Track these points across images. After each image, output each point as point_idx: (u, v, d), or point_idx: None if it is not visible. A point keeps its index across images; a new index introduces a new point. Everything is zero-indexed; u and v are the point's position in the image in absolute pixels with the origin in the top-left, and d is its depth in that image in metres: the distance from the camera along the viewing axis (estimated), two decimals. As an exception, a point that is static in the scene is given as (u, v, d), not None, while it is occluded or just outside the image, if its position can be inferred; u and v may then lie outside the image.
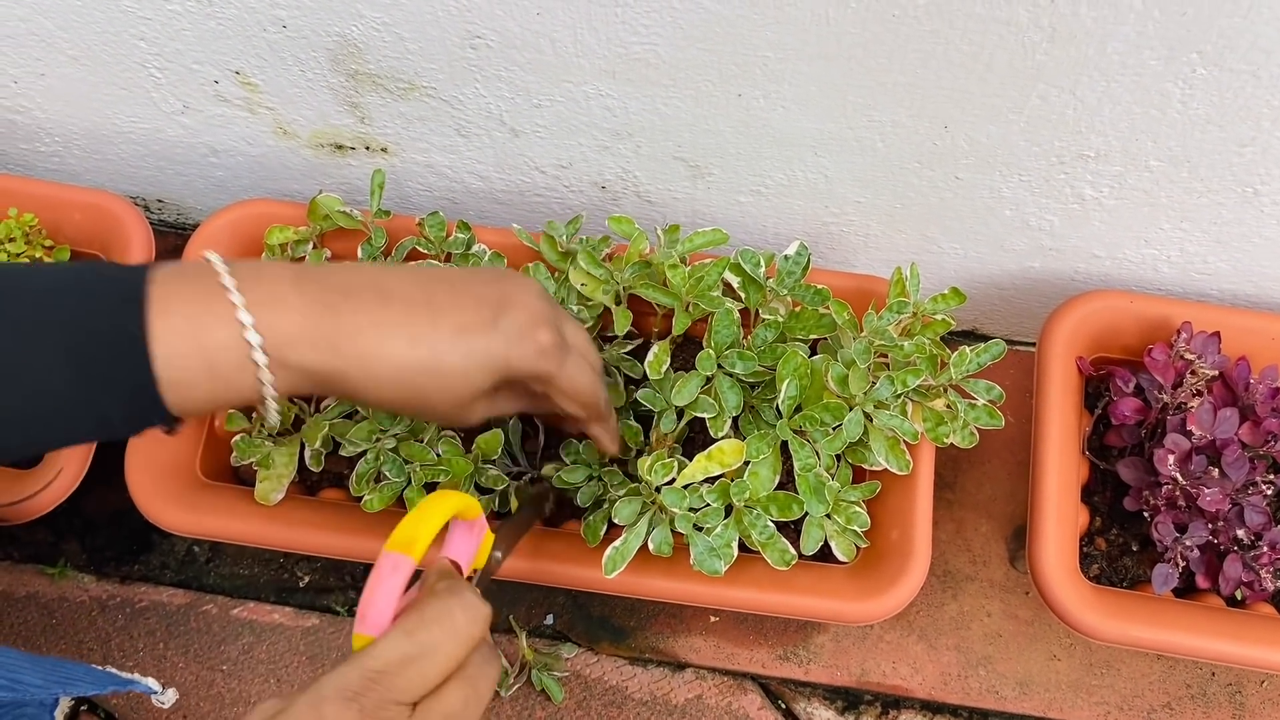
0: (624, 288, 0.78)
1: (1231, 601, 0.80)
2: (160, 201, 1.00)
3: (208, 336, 0.53)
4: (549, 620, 0.92)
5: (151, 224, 1.02)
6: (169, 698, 0.82)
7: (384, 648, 0.51)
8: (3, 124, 0.89)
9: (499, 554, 0.68)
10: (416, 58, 0.74)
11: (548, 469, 0.79)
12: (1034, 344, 0.89)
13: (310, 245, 0.84)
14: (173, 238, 1.03)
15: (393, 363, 0.58)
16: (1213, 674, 0.91)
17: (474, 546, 0.62)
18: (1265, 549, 0.76)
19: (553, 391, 0.66)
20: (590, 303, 0.79)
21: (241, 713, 0.89)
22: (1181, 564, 0.77)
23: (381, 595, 0.53)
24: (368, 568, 0.91)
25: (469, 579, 0.63)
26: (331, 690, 0.50)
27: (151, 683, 0.78)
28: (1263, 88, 0.65)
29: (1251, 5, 0.59)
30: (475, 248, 0.82)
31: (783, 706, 0.91)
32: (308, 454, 0.79)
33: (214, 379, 0.54)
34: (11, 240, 0.81)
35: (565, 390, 0.66)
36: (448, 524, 0.61)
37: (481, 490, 0.79)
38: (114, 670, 0.76)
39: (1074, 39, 0.63)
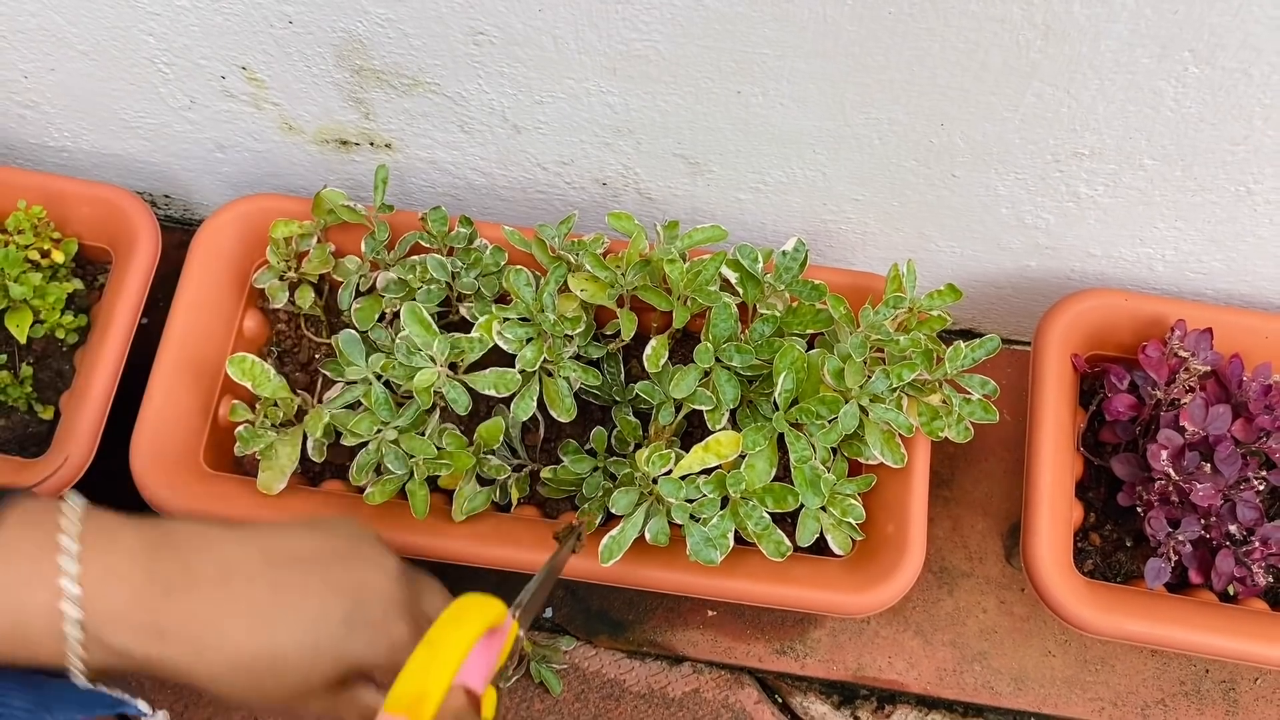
0: (627, 291, 0.79)
1: (1224, 597, 0.81)
2: (167, 196, 1.01)
3: (26, 595, 0.50)
4: (548, 613, 0.93)
5: (160, 218, 1.03)
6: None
7: None
8: (13, 119, 0.90)
9: (521, 633, 0.62)
10: (420, 54, 0.75)
11: (582, 513, 0.76)
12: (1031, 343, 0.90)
13: (314, 239, 0.85)
14: (179, 233, 1.04)
15: (225, 652, 0.54)
16: (1206, 671, 0.92)
17: (495, 654, 0.57)
18: (1257, 544, 0.77)
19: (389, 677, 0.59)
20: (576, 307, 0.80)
21: (245, 717, 0.89)
22: (1174, 559, 0.78)
23: None
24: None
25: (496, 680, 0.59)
26: None
27: (141, 705, 0.77)
28: (1254, 86, 0.66)
29: (1241, 3, 0.60)
30: (477, 242, 0.83)
31: (779, 701, 0.92)
32: (310, 445, 0.80)
33: (15, 640, 0.51)
34: (20, 232, 0.83)
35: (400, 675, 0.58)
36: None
37: (482, 481, 0.80)
38: (104, 690, 0.73)
39: (1067, 36, 0.64)
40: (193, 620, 0.54)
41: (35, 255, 0.84)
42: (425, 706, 0.48)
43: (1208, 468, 0.77)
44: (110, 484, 0.94)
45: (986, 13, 0.64)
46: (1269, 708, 0.90)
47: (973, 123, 0.73)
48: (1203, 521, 0.78)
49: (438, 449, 0.75)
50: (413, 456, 0.75)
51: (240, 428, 0.81)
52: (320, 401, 0.81)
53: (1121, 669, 0.92)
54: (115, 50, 0.80)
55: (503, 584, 0.92)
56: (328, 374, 0.84)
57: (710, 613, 0.93)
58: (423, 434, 0.76)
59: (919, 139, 0.76)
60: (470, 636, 0.53)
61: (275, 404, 0.80)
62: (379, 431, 0.76)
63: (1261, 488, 0.78)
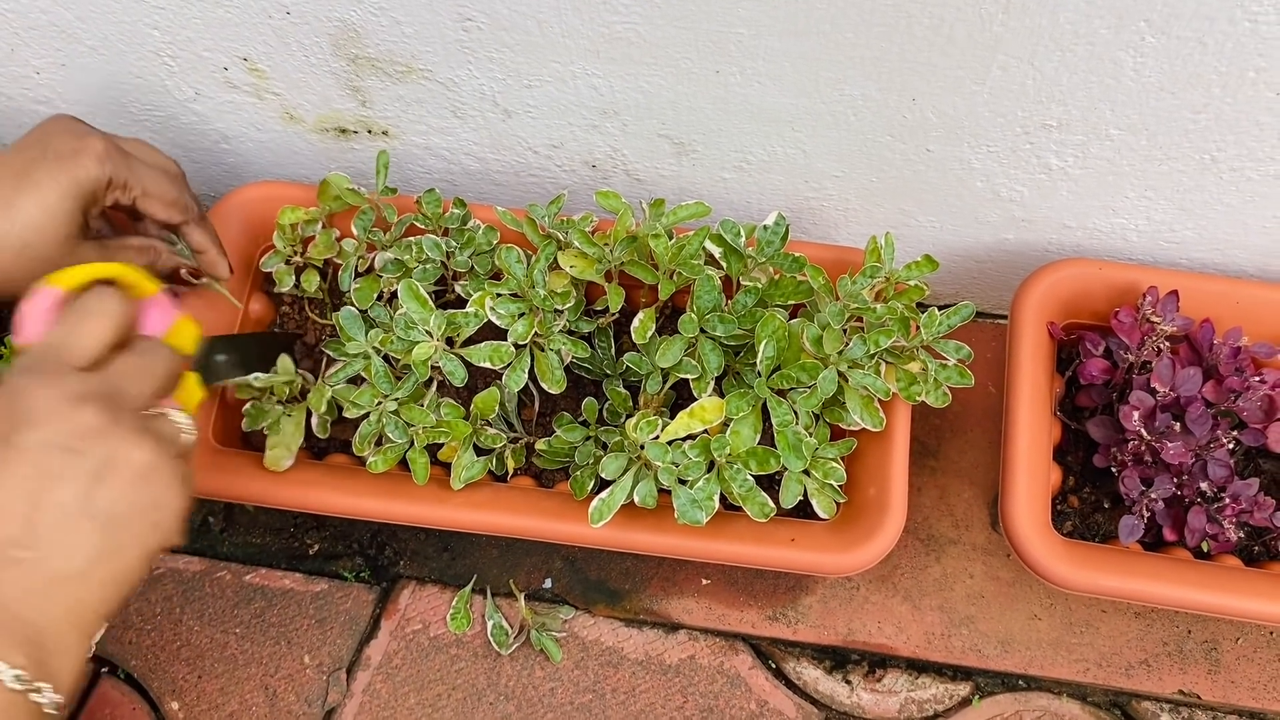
0: (615, 266, 0.82)
1: (1199, 554, 0.83)
2: (175, 189, 1.04)
3: None
4: (547, 584, 0.96)
5: (167, 211, 1.07)
6: None
7: (50, 336, 0.61)
8: (27, 114, 0.94)
9: (220, 356, 0.77)
10: (412, 41, 0.78)
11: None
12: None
13: (319, 225, 0.89)
14: (187, 225, 1.08)
15: None
16: (1189, 631, 0.94)
17: (160, 325, 0.69)
18: (1228, 501, 0.80)
19: (135, 198, 0.73)
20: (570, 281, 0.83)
21: (254, 673, 0.93)
22: (1147, 516, 0.80)
23: (30, 307, 0.63)
24: (375, 533, 0.96)
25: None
26: (16, 369, 0.60)
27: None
28: (1210, 55, 0.69)
29: (1192, -26, 0.63)
30: (470, 223, 0.86)
31: (773, 666, 0.95)
32: (314, 421, 0.84)
33: None
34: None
35: (144, 190, 0.73)
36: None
37: (480, 451, 0.83)
38: None
39: (1027, 9, 0.67)
40: None
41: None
42: (65, 278, 0.64)
43: (1179, 428, 0.80)
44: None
45: (949, -12, 0.67)
46: (1250, 666, 0.93)
47: (943, 97, 0.76)
48: (1175, 480, 0.80)
49: (435, 418, 0.79)
50: (412, 426, 0.78)
51: (248, 404, 0.84)
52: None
53: (1106, 631, 0.94)
54: (122, 44, 0.83)
55: (508, 551, 0.96)
56: (330, 353, 0.88)
57: (704, 581, 0.96)
58: (422, 406, 0.80)
59: (893, 114, 0.79)
60: (106, 270, 0.66)
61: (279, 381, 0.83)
62: (379, 403, 0.80)
63: (1233, 447, 0.81)
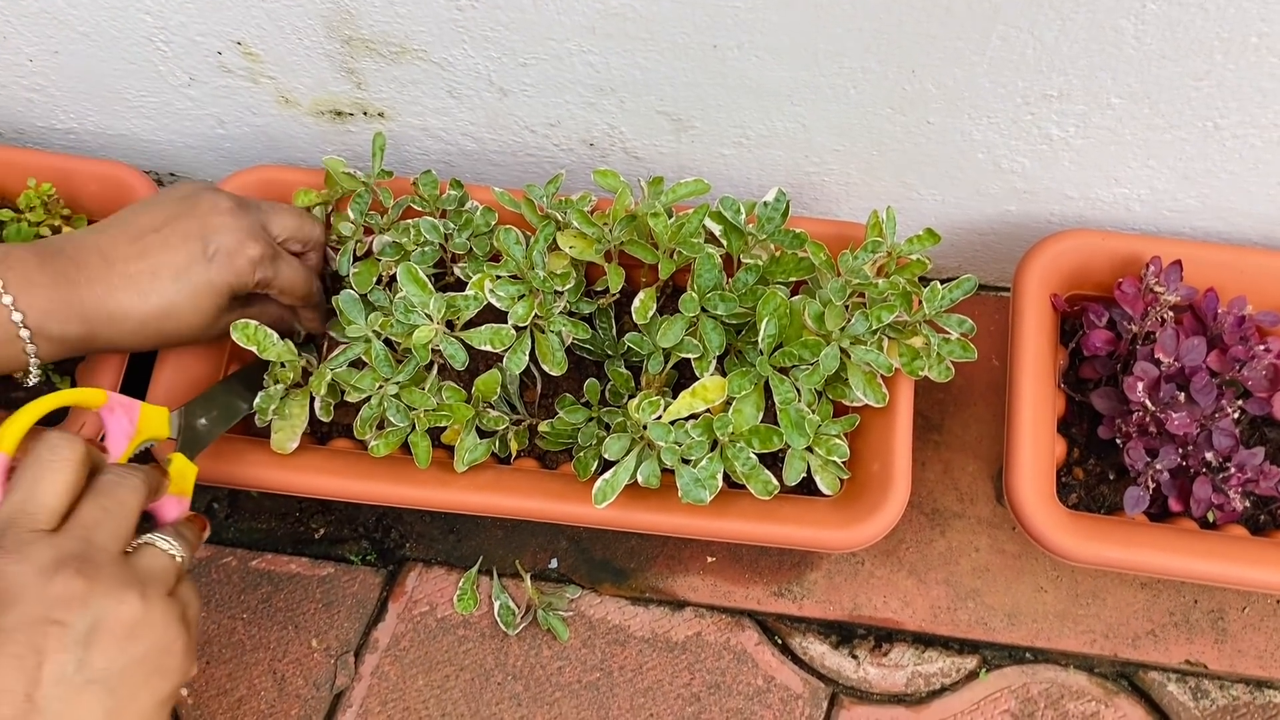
0: (615, 246, 0.82)
1: (1205, 524, 0.83)
2: (173, 175, 1.04)
3: None
4: (553, 564, 0.96)
5: (165, 197, 1.06)
6: None
7: (7, 506, 0.59)
8: (20, 102, 0.94)
9: (203, 420, 0.78)
10: (406, 21, 0.78)
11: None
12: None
13: (330, 208, 0.88)
14: (185, 211, 1.08)
15: (133, 318, 0.71)
16: (1195, 601, 0.94)
17: (127, 425, 0.70)
18: (1234, 471, 0.79)
19: (272, 292, 0.79)
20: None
21: (262, 658, 0.93)
22: (1152, 486, 0.80)
23: None
24: (380, 516, 0.96)
25: (142, 457, 0.73)
26: None
27: None
28: (1211, 20, 0.68)
29: (1193, -61, 0.62)
30: (468, 205, 0.86)
31: (779, 642, 0.95)
32: (316, 404, 0.84)
33: None
34: (32, 209, 0.86)
35: (283, 289, 0.79)
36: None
37: (483, 434, 0.83)
38: None
39: (1026, -22, 0.66)
40: (99, 302, 0.70)
41: (46, 231, 0.87)
42: (6, 440, 0.62)
43: (1183, 398, 0.79)
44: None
45: (947, -42, 0.66)
46: (1257, 635, 0.93)
47: (942, 68, 0.75)
48: (1180, 450, 0.80)
49: (435, 402, 0.79)
50: (413, 409, 0.78)
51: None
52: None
53: (1112, 602, 0.94)
54: (114, 30, 0.83)
55: (513, 532, 0.96)
56: (333, 335, 0.87)
57: (709, 559, 0.96)
58: (423, 389, 0.79)
59: (892, 87, 0.78)
60: (47, 405, 0.66)
61: (283, 365, 0.83)
62: (380, 387, 0.79)
63: (1238, 417, 0.80)
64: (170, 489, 0.71)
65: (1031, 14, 0.69)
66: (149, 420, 0.72)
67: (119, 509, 0.61)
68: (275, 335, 0.83)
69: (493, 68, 0.82)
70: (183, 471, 0.71)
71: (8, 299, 0.67)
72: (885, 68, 0.76)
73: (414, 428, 0.80)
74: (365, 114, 0.90)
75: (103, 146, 1.00)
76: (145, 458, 0.77)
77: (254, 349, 0.82)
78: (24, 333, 0.68)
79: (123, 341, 0.73)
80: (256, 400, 0.82)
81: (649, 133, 0.87)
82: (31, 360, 0.69)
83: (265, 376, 0.83)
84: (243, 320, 0.83)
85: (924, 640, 0.94)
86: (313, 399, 0.84)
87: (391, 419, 0.79)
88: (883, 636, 0.95)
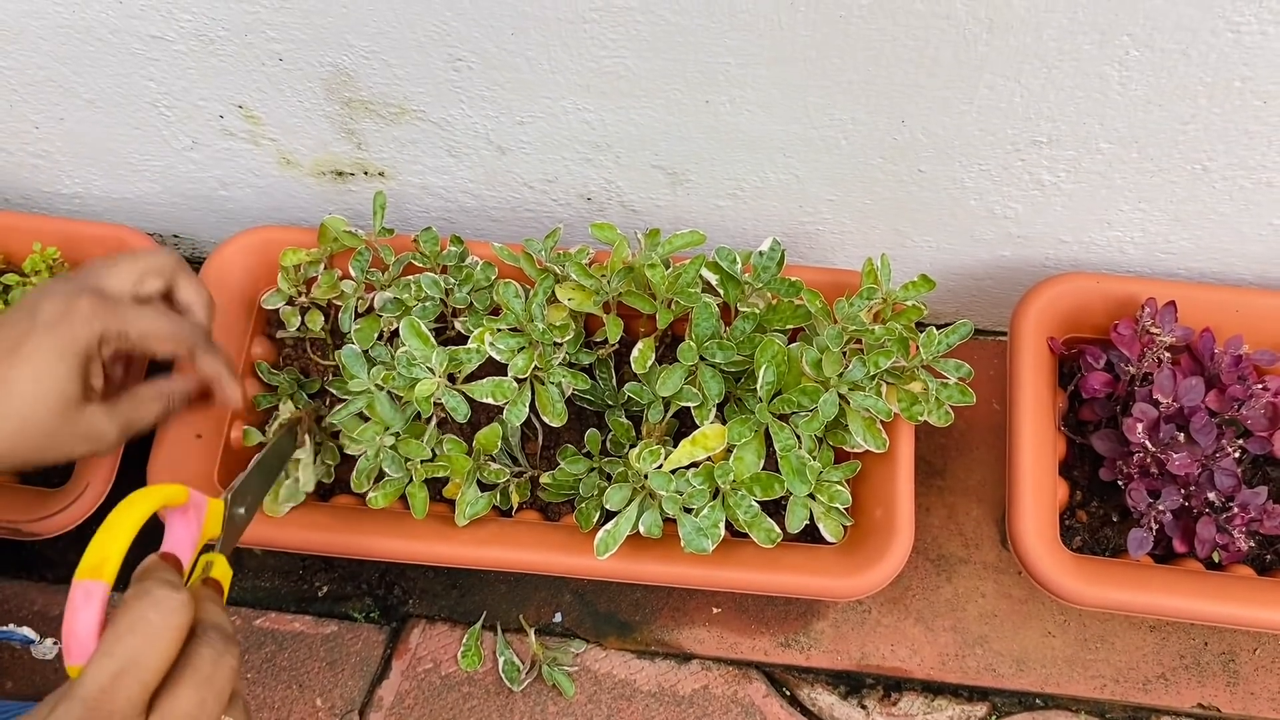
0: (613, 297, 0.82)
1: (1210, 565, 0.83)
2: (176, 236, 1.05)
3: None
4: (557, 618, 0.96)
5: (169, 259, 1.08)
6: (48, 648, 0.80)
7: (90, 672, 0.51)
8: (26, 168, 0.95)
9: (241, 510, 0.69)
10: (404, 83, 0.79)
11: (285, 407, 0.83)
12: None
13: (322, 266, 0.89)
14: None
15: None
16: (1205, 643, 0.93)
17: (195, 528, 0.62)
18: (1237, 511, 0.79)
19: (138, 343, 0.68)
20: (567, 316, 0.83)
21: (267, 718, 0.92)
22: (1155, 528, 0.80)
23: (80, 625, 0.53)
24: (384, 572, 0.96)
25: (205, 556, 0.64)
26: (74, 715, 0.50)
27: (28, 631, 0.77)
28: (1194, 66, 0.69)
29: (1172, -13, 0.63)
30: (468, 260, 0.87)
31: (787, 693, 0.94)
32: (315, 469, 0.84)
33: None
34: (37, 273, 0.87)
35: (141, 333, 0.68)
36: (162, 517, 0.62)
37: (484, 486, 0.83)
38: None
39: (1011, 29, 0.68)
40: None
41: (52, 295, 0.88)
42: (106, 569, 0.54)
43: (1183, 438, 0.79)
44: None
45: (932, 11, 0.67)
46: (1269, 677, 0.92)
47: (932, 118, 0.76)
48: (1182, 491, 0.80)
49: (432, 452, 0.79)
50: (409, 460, 0.79)
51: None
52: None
53: (1121, 645, 0.93)
54: (119, 96, 0.84)
55: (517, 586, 0.96)
56: (334, 392, 0.88)
57: (715, 610, 0.96)
58: (421, 441, 0.80)
59: (882, 137, 0.79)
60: (140, 511, 0.57)
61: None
62: (379, 439, 0.80)
63: (1239, 456, 0.80)
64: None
65: (1017, 63, 0.70)
66: (211, 518, 0.65)
67: (214, 701, 0.54)
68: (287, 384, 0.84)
69: (490, 126, 0.83)
70: (225, 577, 0.64)
71: None
72: (875, 118, 0.77)
73: (411, 479, 0.80)
74: (366, 173, 0.91)
75: (108, 210, 1.01)
76: None
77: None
78: None
79: None
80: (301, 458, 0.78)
81: (645, 186, 0.88)
82: None
83: (291, 439, 0.79)
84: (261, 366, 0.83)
85: (933, 688, 0.94)
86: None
87: (388, 470, 0.80)
88: (891, 685, 0.94)
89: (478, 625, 0.94)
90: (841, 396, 0.77)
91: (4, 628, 0.79)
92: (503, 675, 0.92)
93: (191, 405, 0.76)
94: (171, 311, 0.72)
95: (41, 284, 0.70)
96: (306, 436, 0.81)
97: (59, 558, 0.99)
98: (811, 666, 0.94)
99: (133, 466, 0.86)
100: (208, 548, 0.64)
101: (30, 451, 0.65)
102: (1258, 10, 0.64)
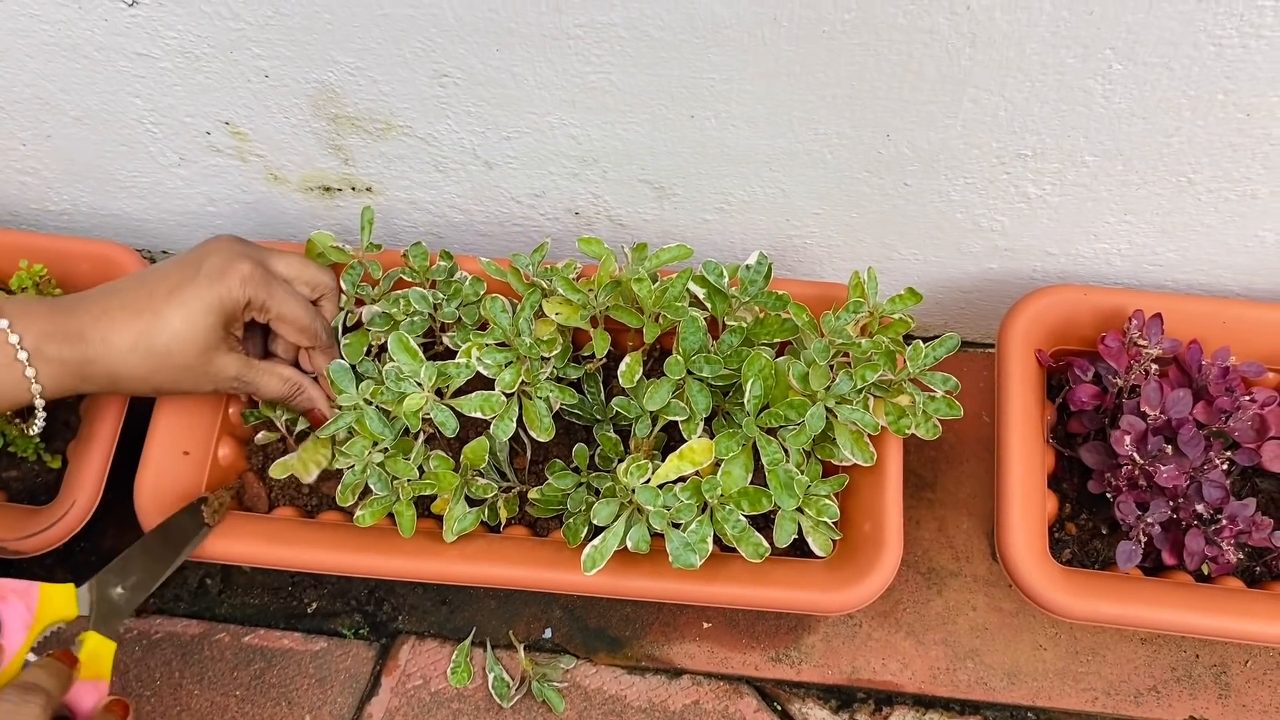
0: (600, 311, 0.82)
1: (1200, 577, 0.83)
2: (165, 252, 1.05)
3: None
4: (547, 634, 0.95)
5: (157, 275, 1.07)
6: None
7: None
8: (14, 185, 0.95)
9: (120, 589, 0.72)
10: (390, 98, 0.79)
11: (214, 494, 0.82)
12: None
13: None
14: (178, 287, 1.09)
15: (126, 335, 0.72)
16: (1197, 656, 0.93)
17: (24, 613, 0.65)
18: (1225, 523, 0.79)
19: (271, 319, 0.79)
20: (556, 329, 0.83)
21: None
22: (1144, 540, 0.80)
23: None
24: (373, 589, 0.95)
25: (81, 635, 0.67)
26: None
27: None
28: (1177, 79, 0.69)
29: (1153, 0, 0.64)
30: (457, 275, 0.87)
31: (778, 708, 0.94)
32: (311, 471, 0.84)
33: None
34: (23, 290, 0.87)
35: (279, 314, 0.79)
36: None
37: (472, 502, 0.83)
38: None
39: (993, 43, 0.68)
40: (96, 322, 0.72)
41: (38, 312, 0.88)
42: None
43: (1171, 450, 0.79)
44: (117, 528, 0.98)
45: (915, 25, 0.67)
46: (1261, 689, 0.91)
47: (916, 131, 0.77)
48: (1171, 503, 0.80)
49: (420, 470, 0.79)
50: (396, 478, 0.78)
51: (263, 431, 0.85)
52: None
53: (1112, 658, 0.93)
54: (105, 114, 0.84)
55: (506, 602, 0.95)
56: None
57: (705, 624, 0.95)
58: (409, 458, 0.80)
59: (868, 151, 0.79)
60: None
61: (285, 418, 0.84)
62: (367, 454, 0.80)
63: (1227, 468, 0.80)
64: (82, 674, 0.66)
65: (1001, 77, 0.71)
66: (51, 603, 0.67)
67: None
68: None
69: (477, 142, 0.83)
70: (97, 652, 0.67)
71: (3, 322, 0.70)
72: (860, 132, 0.77)
73: (398, 497, 0.80)
74: (353, 189, 0.91)
75: (96, 226, 1.01)
76: (55, 640, 0.71)
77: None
78: (22, 355, 0.70)
79: (115, 365, 0.73)
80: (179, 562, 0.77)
81: (632, 200, 0.89)
82: (33, 386, 0.71)
83: (195, 519, 0.80)
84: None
85: (924, 702, 0.93)
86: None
87: (373, 487, 0.79)
88: (883, 700, 0.94)
89: (467, 641, 0.94)
90: (829, 410, 0.77)
91: None
92: (492, 692, 0.92)
93: (300, 408, 0.85)
94: (310, 306, 0.82)
95: (214, 239, 0.78)
96: (215, 518, 0.81)
97: (45, 575, 0.98)
98: (802, 681, 0.94)
99: (120, 484, 0.86)
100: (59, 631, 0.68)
101: (166, 381, 0.76)
102: (1239, 24, 0.64)
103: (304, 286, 0.82)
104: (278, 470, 0.86)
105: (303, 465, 0.84)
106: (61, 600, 0.68)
